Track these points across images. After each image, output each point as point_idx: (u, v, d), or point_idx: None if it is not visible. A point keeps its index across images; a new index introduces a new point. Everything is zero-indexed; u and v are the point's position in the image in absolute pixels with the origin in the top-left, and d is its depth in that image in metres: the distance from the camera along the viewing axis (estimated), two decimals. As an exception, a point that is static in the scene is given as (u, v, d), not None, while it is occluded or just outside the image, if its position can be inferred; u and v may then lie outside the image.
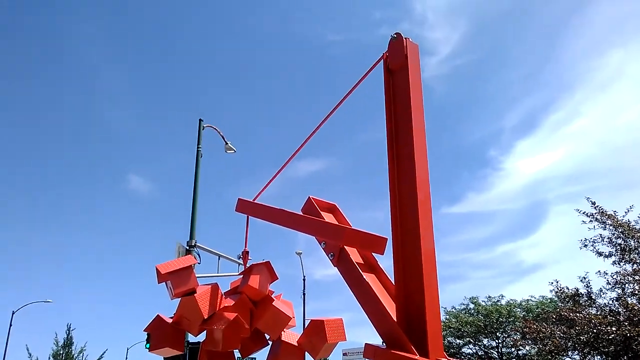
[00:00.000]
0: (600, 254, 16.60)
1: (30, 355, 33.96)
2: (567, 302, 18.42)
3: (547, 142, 64.81)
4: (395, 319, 3.24)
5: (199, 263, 15.21)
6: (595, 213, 16.64)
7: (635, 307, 14.98)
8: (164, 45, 79.57)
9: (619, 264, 16.28)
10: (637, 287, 15.55)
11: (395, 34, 3.76)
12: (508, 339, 27.55)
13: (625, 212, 16.40)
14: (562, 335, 17.31)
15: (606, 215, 16.48)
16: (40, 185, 72.97)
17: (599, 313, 16.55)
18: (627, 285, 16.05)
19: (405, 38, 3.73)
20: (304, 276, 33.56)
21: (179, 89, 79.16)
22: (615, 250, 16.29)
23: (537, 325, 18.57)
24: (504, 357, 27.65)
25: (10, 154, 65.91)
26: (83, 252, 71.82)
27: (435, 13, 74.87)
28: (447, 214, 60.44)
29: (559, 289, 18.48)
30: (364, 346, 3.37)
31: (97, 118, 74.63)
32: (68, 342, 34.64)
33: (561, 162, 62.85)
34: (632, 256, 15.90)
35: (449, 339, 28.83)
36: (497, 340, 28.67)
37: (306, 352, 3.99)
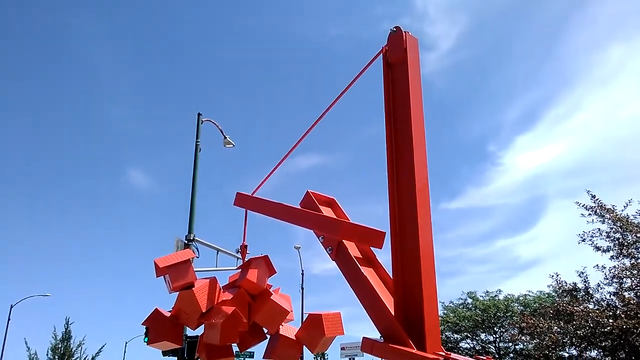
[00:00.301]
0: (598, 248, 16.63)
1: (29, 348, 33.96)
2: (565, 296, 18.47)
3: (547, 137, 64.92)
4: (393, 313, 3.25)
5: (197, 257, 15.21)
6: (595, 207, 16.64)
7: (632, 301, 15.03)
8: (164, 41, 79.35)
9: (617, 258, 16.31)
10: (634, 282, 15.59)
11: (394, 27, 3.74)
12: (505, 334, 27.66)
13: (624, 206, 16.42)
14: (559, 330, 17.38)
15: (605, 209, 16.47)
16: (39, 181, 72.90)
17: (596, 308, 16.60)
18: (624, 279, 16.10)
19: (405, 32, 3.72)
20: (303, 270, 33.64)
21: (178, 85, 79.02)
22: (614, 245, 16.31)
23: (534, 320, 18.63)
24: (502, 352, 27.74)
25: (12, 150, 65.80)
26: (82, 246, 71.85)
27: (436, 8, 74.73)
28: (446, 209, 60.58)
29: (559, 282, 18.52)
30: (361, 340, 3.38)
31: (98, 114, 74.56)
32: (67, 336, 34.64)
33: (561, 156, 62.97)
34: (629, 250, 15.93)
35: (446, 333, 28.89)
36: (494, 335, 28.75)
37: (304, 346, 3.99)
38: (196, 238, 15.67)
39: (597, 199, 16.74)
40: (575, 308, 16.40)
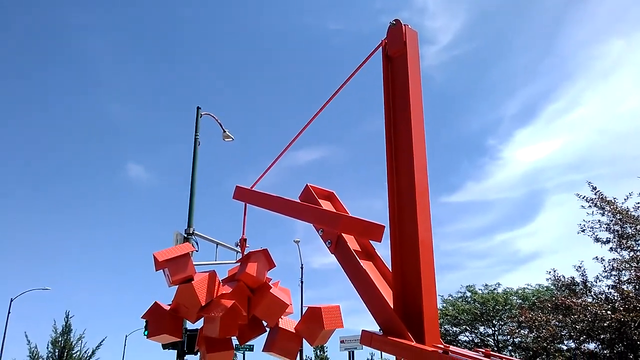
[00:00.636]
0: (597, 239, 16.64)
1: (29, 342, 34.07)
2: (564, 290, 18.52)
3: (546, 131, 64.85)
4: (392, 306, 3.25)
5: (196, 251, 15.22)
6: (595, 198, 16.63)
7: (631, 294, 15.07)
8: (163, 36, 78.97)
9: (616, 250, 16.34)
10: (633, 274, 15.62)
11: (394, 20, 3.73)
12: (504, 327, 27.78)
13: (625, 199, 16.43)
14: (557, 323, 17.45)
15: (605, 201, 16.47)
16: (39, 175, 72.81)
17: (594, 301, 16.65)
18: (623, 272, 16.13)
19: (405, 25, 3.70)
20: (302, 264, 33.74)
21: (178, 79, 78.75)
22: (613, 237, 16.33)
23: (532, 314, 18.69)
24: (500, 345, 27.86)
25: (12, 145, 65.71)
26: (81, 240, 71.89)
27: (435, 2, 74.42)
28: (446, 203, 60.59)
29: (556, 277, 18.57)
30: (360, 333, 3.39)
31: (97, 109, 74.29)
32: (67, 330, 34.69)
33: (561, 150, 62.92)
34: (629, 243, 15.94)
35: (445, 326, 29.00)
36: (493, 328, 28.88)
37: (303, 339, 4.00)
38: (195, 232, 15.68)
39: (597, 191, 16.73)
40: (574, 302, 16.45)
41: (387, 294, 3.37)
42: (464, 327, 29.47)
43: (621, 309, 14.97)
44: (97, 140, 74.80)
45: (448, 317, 28.99)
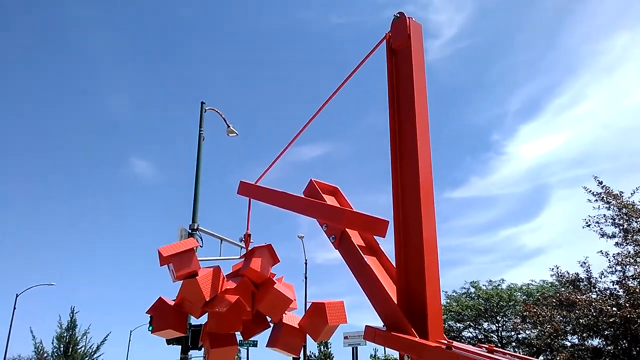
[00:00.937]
0: (603, 234, 16.57)
1: (34, 337, 34.34)
2: (568, 286, 18.48)
3: (551, 126, 64.56)
4: (396, 301, 3.24)
5: (201, 246, 15.28)
6: (602, 193, 16.56)
7: (637, 290, 15.00)
8: (166, 30, 78.95)
9: (621, 245, 16.27)
10: (638, 270, 15.55)
11: (398, 13, 3.70)
12: (508, 323, 27.75)
13: (632, 194, 16.35)
14: (562, 319, 17.41)
15: (612, 195, 16.39)
16: (43, 171, 73.17)
17: (599, 297, 16.60)
18: (628, 267, 16.07)
19: (409, 17, 3.66)
20: (306, 259, 33.83)
21: (182, 74, 78.78)
22: (619, 232, 16.26)
23: (537, 309, 18.66)
24: (504, 341, 27.83)
25: (15, 140, 65.97)
26: (86, 235, 72.28)
27: (439, -5, 73.92)
28: (450, 198, 60.50)
29: (559, 274, 18.52)
30: (364, 328, 3.38)
31: (101, 104, 74.50)
32: (72, 325, 34.96)
33: (565, 145, 62.66)
34: (634, 237, 15.87)
35: (449, 322, 29.01)
36: (497, 324, 28.85)
37: (307, 334, 4.00)
38: (200, 227, 15.73)
39: (604, 185, 16.66)
40: (578, 297, 16.40)
41: (391, 290, 3.36)
42: (467, 323, 29.45)
43: (627, 305, 14.92)
44: (102, 135, 75.08)
45: (452, 313, 28.97)
